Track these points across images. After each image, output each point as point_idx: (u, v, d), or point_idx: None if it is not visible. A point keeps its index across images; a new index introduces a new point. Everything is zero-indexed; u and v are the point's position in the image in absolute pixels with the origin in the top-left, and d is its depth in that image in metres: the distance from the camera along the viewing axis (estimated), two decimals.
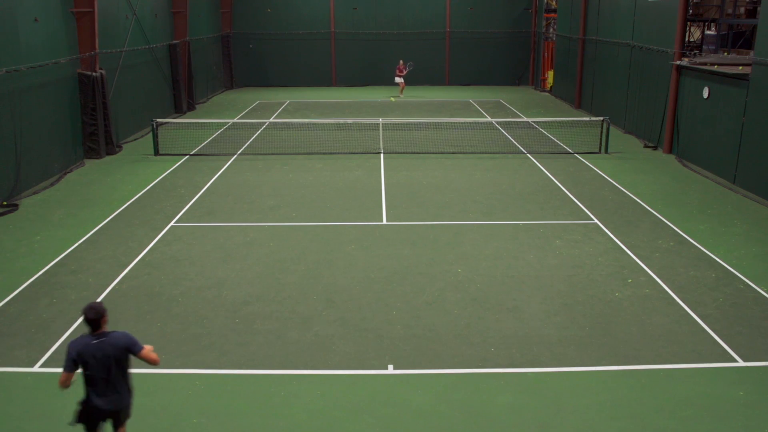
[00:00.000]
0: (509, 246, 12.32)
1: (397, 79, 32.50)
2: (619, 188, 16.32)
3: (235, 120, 24.80)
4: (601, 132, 20.56)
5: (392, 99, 32.40)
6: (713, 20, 21.78)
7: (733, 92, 16.80)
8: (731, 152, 16.77)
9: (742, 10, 21.18)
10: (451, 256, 11.82)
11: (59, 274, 11.07)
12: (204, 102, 32.03)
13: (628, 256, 11.80)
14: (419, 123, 24.84)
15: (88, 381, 5.80)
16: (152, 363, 5.91)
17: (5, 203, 14.75)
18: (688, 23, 20.90)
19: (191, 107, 29.45)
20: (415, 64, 33.92)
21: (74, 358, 5.68)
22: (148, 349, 5.89)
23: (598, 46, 26.84)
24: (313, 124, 24.91)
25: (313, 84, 38.66)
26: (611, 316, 9.55)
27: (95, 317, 5.72)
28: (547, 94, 34.78)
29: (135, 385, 7.84)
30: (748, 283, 10.65)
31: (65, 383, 5.72)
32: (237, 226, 13.50)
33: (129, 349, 5.83)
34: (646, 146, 21.24)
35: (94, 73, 19.09)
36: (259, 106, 30.81)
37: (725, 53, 20.27)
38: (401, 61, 33.35)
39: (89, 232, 13.16)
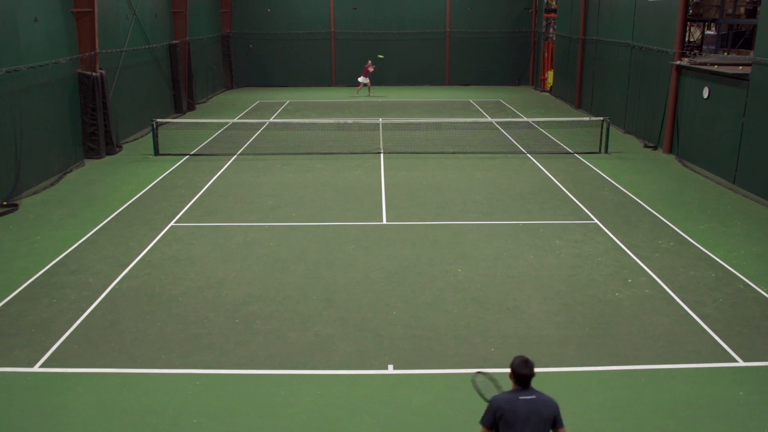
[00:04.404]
0: (509, 246, 12.32)
1: (361, 79, 33.00)
2: (619, 188, 16.32)
3: (235, 120, 24.79)
4: (601, 132, 20.56)
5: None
6: (713, 20, 21.78)
7: (733, 92, 16.80)
8: (731, 152, 16.77)
9: (742, 10, 21.18)
10: (451, 256, 11.82)
11: (59, 274, 11.07)
12: (204, 102, 32.02)
13: (628, 256, 11.80)
14: (419, 123, 24.84)
15: None
16: None
17: (5, 203, 14.75)
18: (688, 23, 20.89)
19: (191, 107, 29.45)
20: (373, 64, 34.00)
21: (494, 412, 5.25)
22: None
23: (598, 46, 26.84)
24: (313, 124, 24.90)
25: (313, 84, 38.66)
26: (611, 316, 9.55)
27: (531, 374, 5.17)
28: (547, 94, 34.76)
29: (134, 384, 7.90)
30: (748, 283, 10.65)
31: None
32: (237, 226, 13.50)
33: (556, 419, 5.17)
34: (646, 146, 21.24)
35: (94, 73, 19.09)
36: (259, 106, 30.80)
37: (725, 53, 20.27)
38: (369, 61, 33.71)
39: (89, 232, 13.16)
